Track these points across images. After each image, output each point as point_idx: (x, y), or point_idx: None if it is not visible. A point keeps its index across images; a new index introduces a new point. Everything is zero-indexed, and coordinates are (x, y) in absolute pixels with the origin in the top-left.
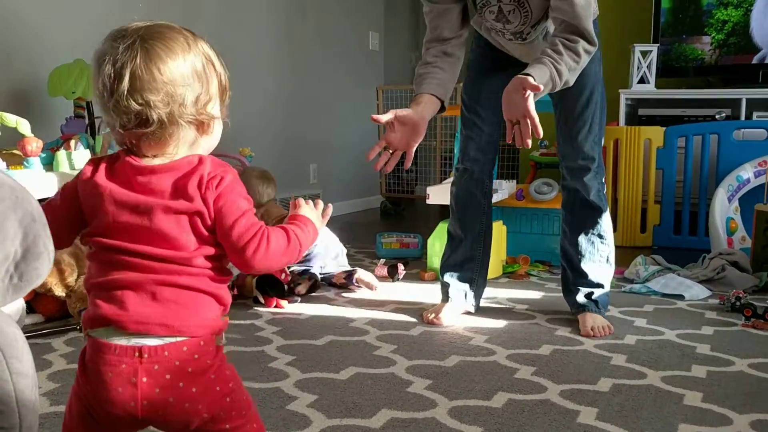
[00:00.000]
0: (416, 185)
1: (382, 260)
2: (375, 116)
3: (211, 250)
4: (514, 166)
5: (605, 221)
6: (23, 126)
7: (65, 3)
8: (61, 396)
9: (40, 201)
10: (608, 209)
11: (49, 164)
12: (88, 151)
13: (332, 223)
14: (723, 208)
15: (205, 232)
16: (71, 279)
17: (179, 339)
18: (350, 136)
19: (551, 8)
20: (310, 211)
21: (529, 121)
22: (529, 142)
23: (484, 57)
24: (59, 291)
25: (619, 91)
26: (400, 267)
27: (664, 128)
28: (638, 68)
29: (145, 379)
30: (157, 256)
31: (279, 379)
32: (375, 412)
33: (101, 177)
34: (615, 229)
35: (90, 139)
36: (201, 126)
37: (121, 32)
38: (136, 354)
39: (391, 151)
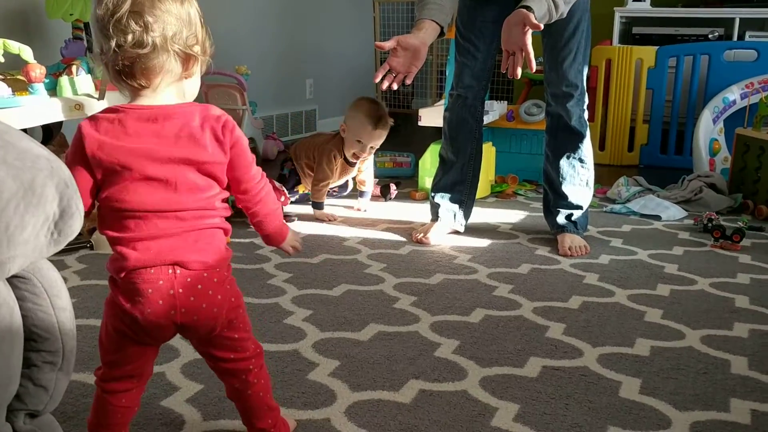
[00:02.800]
0: (412, 100)
1: (376, 180)
2: (378, 43)
3: (225, 194)
4: (509, 82)
5: (586, 146)
6: (26, 53)
7: None
8: (78, 311)
9: (46, 136)
10: (589, 135)
11: (52, 89)
12: (89, 75)
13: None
14: (707, 129)
15: (222, 177)
16: None
17: None
18: (346, 50)
19: None
20: (293, 233)
21: (524, 55)
22: (519, 72)
23: None
24: None
25: (614, 9)
26: (392, 187)
27: (656, 48)
28: None
29: (181, 290)
30: (184, 209)
31: (277, 295)
32: (363, 326)
33: (114, 138)
34: (603, 148)
35: (90, 61)
36: (187, 63)
37: None
38: (170, 271)
39: (394, 75)
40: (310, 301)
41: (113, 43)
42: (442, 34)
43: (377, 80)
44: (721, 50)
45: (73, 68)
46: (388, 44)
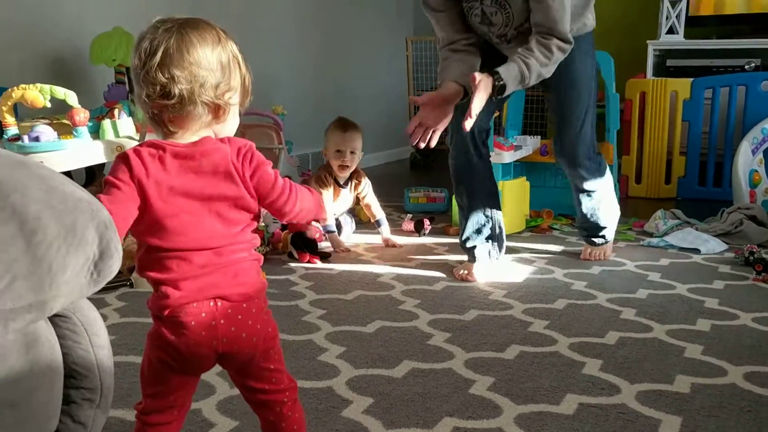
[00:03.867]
0: (446, 136)
1: (409, 215)
2: (413, 97)
3: (253, 225)
4: (543, 117)
5: (605, 183)
6: (71, 98)
7: None
8: (117, 348)
9: (89, 177)
10: (608, 170)
11: (95, 132)
12: (130, 118)
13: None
14: (746, 160)
15: (251, 206)
16: None
17: None
18: (380, 88)
19: (531, 10)
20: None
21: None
22: (468, 124)
23: (486, 43)
24: None
25: (647, 42)
26: (426, 222)
27: (691, 80)
28: (667, 18)
29: (222, 321)
30: (221, 245)
31: (311, 331)
32: (397, 363)
33: (156, 173)
34: (639, 181)
35: (132, 105)
36: (217, 111)
37: (164, 20)
38: (212, 303)
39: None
40: (344, 338)
41: (144, 93)
42: (466, 95)
43: (414, 142)
44: (758, 81)
45: (115, 111)
46: (421, 99)
